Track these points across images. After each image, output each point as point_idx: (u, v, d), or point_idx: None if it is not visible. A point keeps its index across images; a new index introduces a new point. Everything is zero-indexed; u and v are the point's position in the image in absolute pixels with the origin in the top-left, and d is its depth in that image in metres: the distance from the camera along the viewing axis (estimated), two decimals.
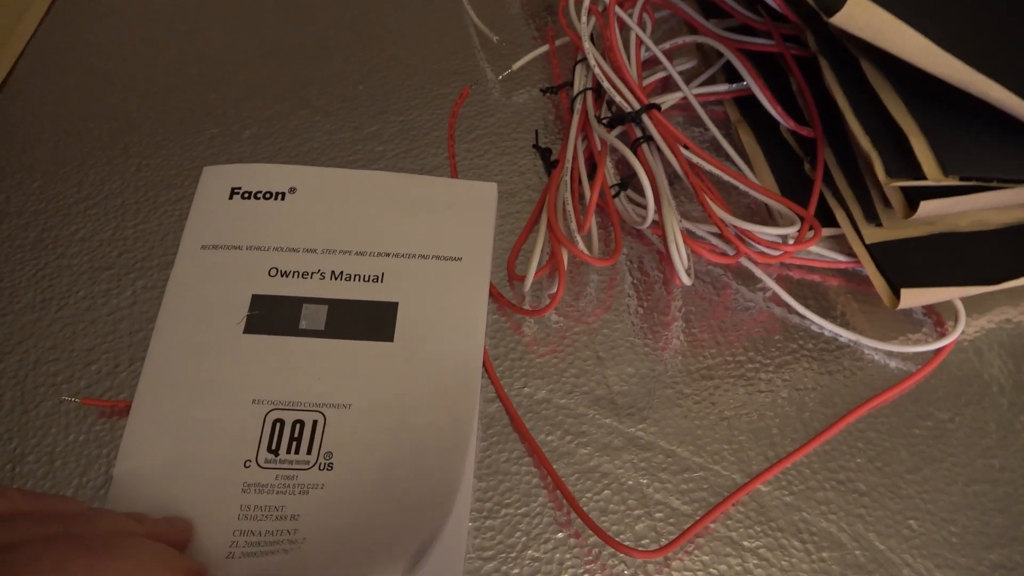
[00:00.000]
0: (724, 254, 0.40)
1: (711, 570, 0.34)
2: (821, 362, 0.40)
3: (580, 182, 0.43)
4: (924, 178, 0.36)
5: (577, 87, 0.46)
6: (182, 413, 0.37)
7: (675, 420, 0.38)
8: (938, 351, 0.40)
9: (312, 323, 0.40)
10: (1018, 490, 0.37)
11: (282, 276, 0.41)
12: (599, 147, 0.43)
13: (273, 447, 0.36)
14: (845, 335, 0.40)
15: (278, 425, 0.37)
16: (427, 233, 0.43)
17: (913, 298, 0.39)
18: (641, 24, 0.48)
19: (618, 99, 0.43)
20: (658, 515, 0.36)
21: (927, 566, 0.35)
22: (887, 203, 0.39)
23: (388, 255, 0.42)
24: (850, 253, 0.41)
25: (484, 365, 0.39)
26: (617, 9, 0.45)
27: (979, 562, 0.35)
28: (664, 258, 0.43)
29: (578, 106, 0.45)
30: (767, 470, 0.37)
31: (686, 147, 0.41)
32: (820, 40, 0.41)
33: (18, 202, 0.45)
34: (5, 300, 0.41)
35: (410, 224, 0.43)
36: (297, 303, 0.40)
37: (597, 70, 0.44)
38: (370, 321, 0.40)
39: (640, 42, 0.46)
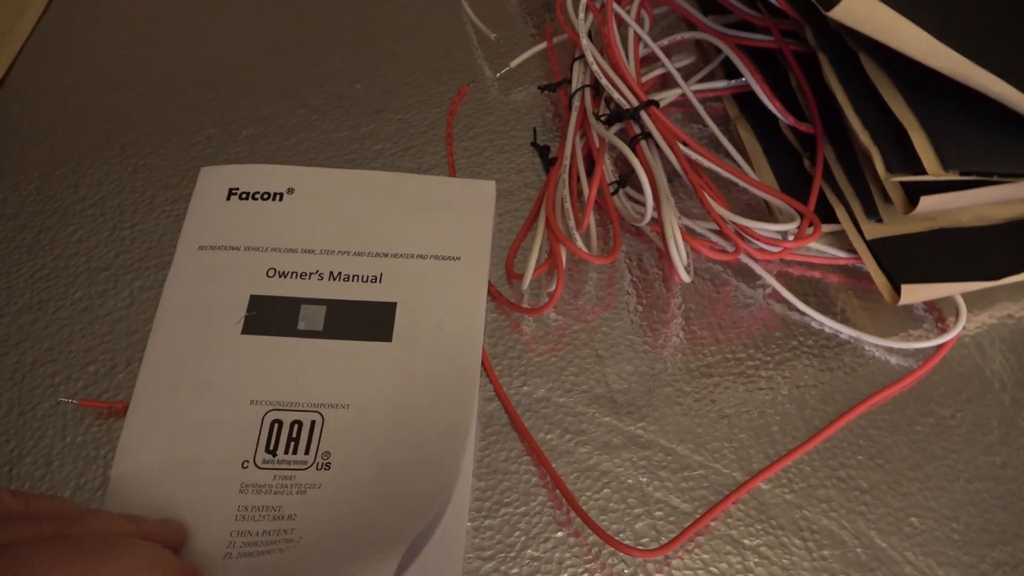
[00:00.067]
0: (723, 251, 0.40)
1: (711, 569, 0.34)
2: (821, 359, 0.40)
3: (579, 180, 0.42)
4: (924, 173, 0.36)
5: (575, 84, 0.46)
6: (180, 414, 0.37)
7: (675, 418, 0.38)
8: (939, 347, 0.40)
9: (310, 324, 0.40)
10: (1021, 487, 0.36)
11: (280, 277, 0.41)
12: (597, 144, 0.43)
13: (271, 448, 0.36)
14: (845, 331, 0.40)
15: (276, 426, 0.37)
16: (425, 232, 0.43)
17: (914, 294, 0.39)
18: (639, 21, 0.47)
19: (616, 96, 0.43)
20: (658, 513, 0.35)
21: (929, 564, 0.34)
22: (887, 199, 0.39)
23: (386, 255, 0.42)
24: (850, 249, 0.41)
25: (483, 364, 0.39)
26: (615, 6, 0.45)
27: (982, 559, 0.35)
28: (663, 255, 0.42)
29: (576, 103, 0.45)
30: (767, 468, 0.36)
31: (685, 144, 0.41)
32: (819, 35, 0.41)
33: (15, 203, 0.45)
34: (2, 301, 0.41)
35: (408, 224, 0.43)
36: (295, 304, 0.40)
37: (595, 67, 0.44)
38: (368, 321, 0.40)
39: (638, 39, 0.46)
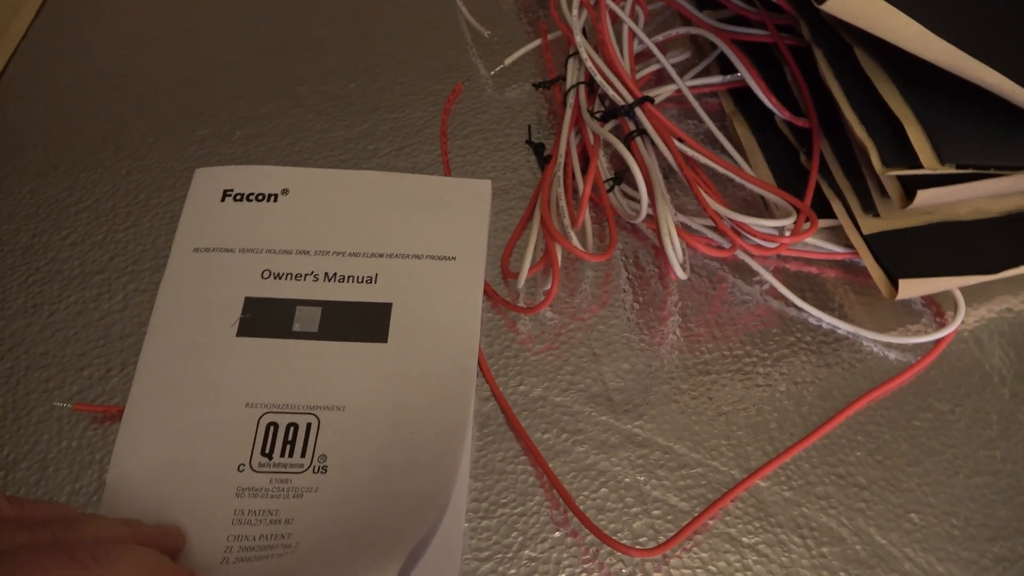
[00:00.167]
0: (720, 247, 0.40)
1: (710, 567, 0.34)
2: (819, 355, 0.39)
3: (574, 177, 0.42)
4: (920, 167, 0.36)
5: (570, 81, 0.45)
6: (175, 417, 0.37)
7: (672, 416, 0.38)
8: (938, 342, 0.39)
9: (306, 325, 0.39)
10: (1021, 481, 0.36)
11: (275, 278, 0.41)
12: (592, 142, 0.43)
13: (267, 451, 0.36)
14: (843, 327, 0.40)
15: (272, 428, 0.37)
16: (421, 232, 0.42)
17: (912, 288, 0.39)
18: (634, 17, 0.47)
19: (611, 93, 0.42)
20: (656, 512, 0.35)
21: (929, 560, 0.34)
22: (884, 193, 0.39)
23: (382, 255, 0.42)
24: (847, 244, 0.41)
25: (479, 363, 0.39)
26: (609, 2, 0.45)
27: (982, 555, 0.34)
28: (659, 253, 0.42)
29: (571, 100, 0.45)
30: (766, 465, 0.36)
31: (680, 140, 0.41)
32: (814, 29, 0.41)
33: (9, 206, 0.45)
34: None
35: (404, 224, 0.43)
36: (290, 305, 0.40)
37: (589, 64, 0.43)
38: (364, 322, 0.39)
39: (633, 35, 0.45)
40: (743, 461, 0.36)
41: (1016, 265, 0.39)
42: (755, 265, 0.41)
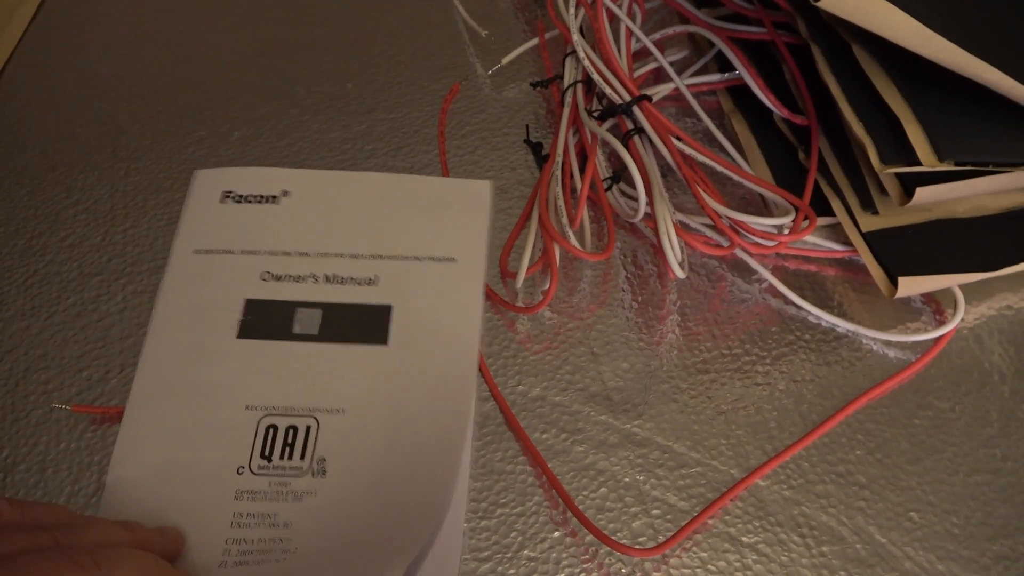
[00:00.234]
0: (718, 246, 0.40)
1: (709, 567, 0.34)
2: (819, 353, 0.39)
3: (572, 176, 0.42)
4: (919, 164, 0.36)
5: (567, 80, 0.45)
6: (175, 419, 0.37)
7: (671, 415, 0.38)
8: (937, 339, 0.39)
9: (306, 327, 0.39)
10: (1021, 479, 0.36)
11: (275, 280, 0.41)
12: (590, 140, 0.43)
13: (266, 453, 0.36)
14: (843, 325, 0.40)
15: (271, 431, 0.37)
16: (421, 234, 0.42)
17: (911, 286, 0.38)
18: (631, 15, 0.47)
19: (608, 91, 0.42)
20: (655, 512, 0.35)
21: (929, 559, 0.34)
22: (883, 190, 0.39)
23: (382, 257, 0.42)
24: (846, 242, 0.41)
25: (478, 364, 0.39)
26: (606, 0, 0.45)
27: (982, 553, 0.34)
28: (658, 251, 0.42)
29: (568, 99, 0.44)
30: (765, 464, 0.36)
31: (678, 138, 0.41)
32: (811, 26, 0.41)
33: (6, 208, 0.45)
34: None
35: (404, 225, 0.43)
36: (290, 307, 0.40)
37: (587, 62, 0.43)
38: (364, 324, 0.39)
39: (630, 33, 0.45)
40: (743, 460, 0.36)
41: (1016, 262, 0.39)
42: (754, 263, 0.41)
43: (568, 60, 0.46)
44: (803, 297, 0.40)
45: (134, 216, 0.44)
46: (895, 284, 0.38)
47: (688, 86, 0.46)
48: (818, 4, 0.35)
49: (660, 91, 0.46)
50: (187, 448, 0.36)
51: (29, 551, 0.27)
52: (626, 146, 0.41)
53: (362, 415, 0.37)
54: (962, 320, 0.40)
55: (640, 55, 0.48)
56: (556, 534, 0.35)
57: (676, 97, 0.47)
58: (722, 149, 0.44)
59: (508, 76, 0.50)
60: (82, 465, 0.37)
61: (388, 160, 0.46)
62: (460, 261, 0.41)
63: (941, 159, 0.35)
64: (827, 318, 0.40)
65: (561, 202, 0.41)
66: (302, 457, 0.36)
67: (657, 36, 0.48)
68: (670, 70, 0.46)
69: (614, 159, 0.44)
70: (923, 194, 0.37)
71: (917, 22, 0.34)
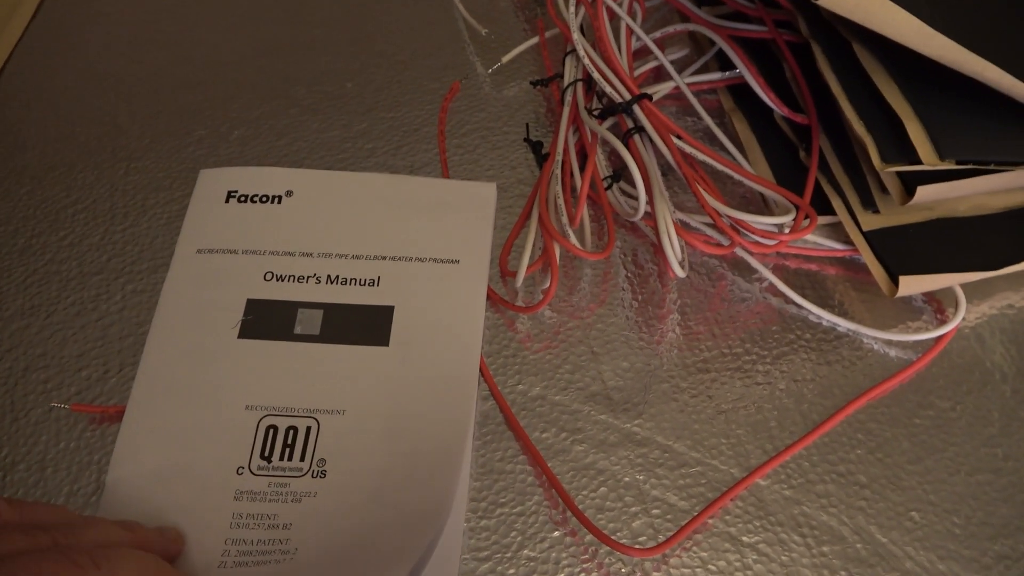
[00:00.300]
0: (719, 245, 0.40)
1: (710, 567, 0.34)
2: (819, 352, 0.39)
3: (572, 175, 0.42)
4: (920, 162, 0.36)
5: (567, 79, 0.45)
6: (176, 419, 0.37)
7: (671, 415, 0.38)
8: (939, 339, 0.39)
9: (307, 328, 0.39)
10: (1022, 479, 0.36)
11: (277, 280, 0.41)
12: (590, 139, 0.42)
13: (266, 454, 0.36)
14: (843, 324, 0.40)
15: (271, 431, 0.36)
16: (424, 235, 0.42)
17: (912, 285, 0.38)
18: (631, 13, 0.47)
19: (608, 90, 0.42)
20: (655, 512, 0.35)
21: (930, 558, 0.34)
22: (884, 189, 0.39)
23: (384, 258, 0.41)
24: (847, 241, 0.41)
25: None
26: None
27: (983, 553, 0.34)
28: (658, 250, 0.42)
29: (568, 98, 0.44)
30: (766, 464, 0.36)
31: (679, 137, 0.41)
32: (812, 25, 0.40)
33: (6, 208, 0.45)
34: None
35: (407, 226, 0.43)
36: (292, 307, 0.40)
37: (587, 61, 0.43)
38: (365, 325, 0.39)
39: (630, 32, 0.45)
40: (743, 460, 0.36)
41: (1017, 261, 0.39)
42: (754, 262, 0.41)
43: (568, 59, 0.46)
44: (804, 296, 0.40)
45: (133, 215, 0.44)
46: (896, 283, 0.38)
47: (688, 85, 0.46)
48: (818, 2, 0.35)
49: (660, 90, 0.46)
50: (187, 448, 0.36)
51: (28, 552, 0.27)
52: (626, 145, 0.40)
53: (363, 416, 0.37)
54: (963, 319, 0.40)
55: (640, 53, 0.48)
56: (556, 534, 0.35)
57: (676, 96, 0.47)
58: (722, 148, 0.44)
59: (508, 75, 0.50)
60: (81, 464, 0.36)
61: (388, 159, 0.46)
62: (463, 263, 0.41)
63: (942, 158, 0.35)
64: (828, 317, 0.40)
65: (561, 201, 0.41)
66: (302, 458, 0.36)
67: (657, 34, 0.48)
68: (670, 68, 0.46)
69: (614, 158, 0.44)
70: (924, 193, 0.37)
71: (918, 20, 0.34)
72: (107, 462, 0.36)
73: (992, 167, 0.36)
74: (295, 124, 0.48)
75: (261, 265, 0.41)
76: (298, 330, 0.39)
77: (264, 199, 0.43)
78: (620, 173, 0.42)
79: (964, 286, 0.40)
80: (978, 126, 0.37)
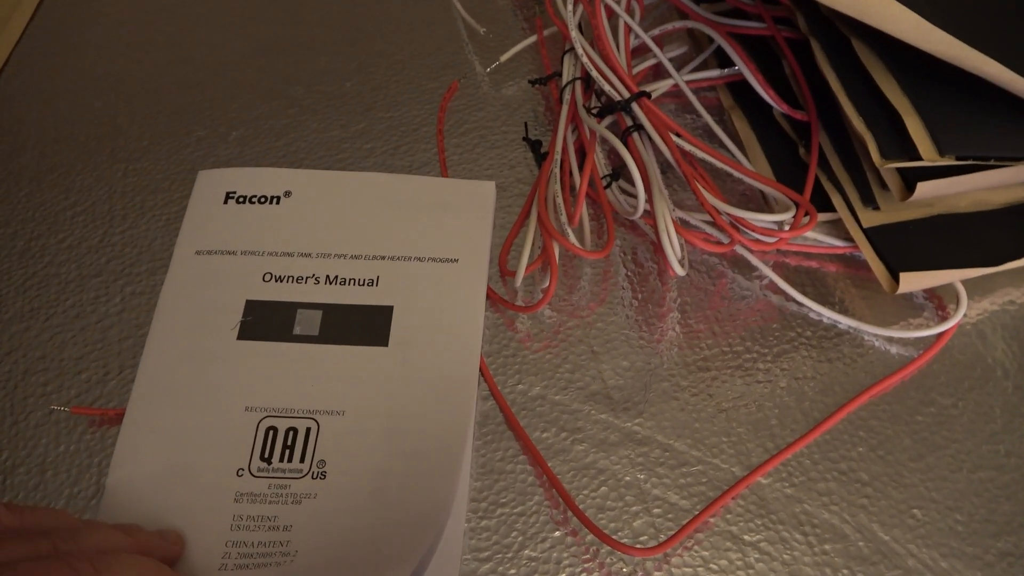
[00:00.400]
0: (718, 243, 0.40)
1: (711, 565, 0.34)
2: (820, 350, 0.39)
3: (571, 174, 0.42)
4: (919, 159, 0.35)
5: (566, 77, 0.45)
6: (175, 421, 0.37)
7: (672, 413, 0.37)
8: (940, 335, 0.39)
9: (306, 328, 0.39)
10: None
11: (276, 281, 0.41)
12: (589, 138, 0.42)
13: (266, 455, 0.36)
14: (844, 322, 0.40)
15: (271, 433, 0.36)
16: (424, 235, 0.42)
17: (913, 282, 0.38)
18: (629, 11, 0.47)
19: (607, 88, 0.42)
20: (656, 511, 0.35)
21: (932, 556, 0.34)
22: (884, 186, 0.39)
23: (383, 258, 0.41)
24: (847, 238, 0.41)
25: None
26: None
27: (986, 551, 0.34)
28: (658, 249, 0.42)
29: (567, 96, 0.44)
30: (767, 462, 0.36)
31: (678, 135, 0.40)
32: (811, 21, 0.40)
33: (5, 210, 0.45)
34: None
35: (406, 226, 0.42)
36: (291, 308, 0.40)
37: (585, 59, 0.43)
38: (365, 326, 0.39)
39: (629, 29, 0.45)
40: (744, 458, 0.36)
41: (1018, 257, 0.39)
42: (754, 260, 0.41)
43: (567, 57, 0.46)
44: (804, 294, 0.40)
45: (132, 217, 0.44)
46: (897, 280, 0.38)
47: (687, 82, 0.46)
48: None
49: (659, 87, 0.46)
50: (187, 450, 0.36)
51: (29, 558, 0.27)
52: (625, 143, 0.40)
53: (362, 417, 0.37)
54: (964, 316, 0.40)
55: (639, 51, 0.48)
56: (557, 534, 0.35)
57: (675, 93, 0.47)
58: (722, 145, 0.44)
59: (507, 74, 0.50)
60: (81, 467, 0.36)
61: (387, 159, 0.46)
62: (463, 262, 0.41)
63: (942, 153, 0.35)
64: (828, 314, 0.40)
65: (560, 200, 0.41)
66: (302, 459, 0.36)
67: (656, 32, 0.48)
68: (669, 66, 0.45)
69: (613, 156, 0.44)
70: (924, 189, 0.37)
71: (916, 15, 0.34)
72: (107, 465, 0.36)
73: (992, 163, 0.36)
74: (294, 124, 0.48)
75: (260, 266, 0.41)
76: (297, 331, 0.39)
77: (262, 200, 0.43)
78: (619, 171, 0.42)
79: (965, 282, 0.40)
80: (978, 122, 0.36)
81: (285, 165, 0.46)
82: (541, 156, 0.45)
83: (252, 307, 0.40)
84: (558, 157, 0.42)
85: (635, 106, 0.41)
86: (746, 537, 0.34)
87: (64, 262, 0.43)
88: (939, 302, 0.40)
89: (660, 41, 0.48)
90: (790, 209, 0.39)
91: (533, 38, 0.50)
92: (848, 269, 0.41)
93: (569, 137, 0.43)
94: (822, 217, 0.41)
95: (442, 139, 0.47)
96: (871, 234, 0.39)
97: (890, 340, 0.39)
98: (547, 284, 0.40)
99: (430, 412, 0.37)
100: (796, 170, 0.42)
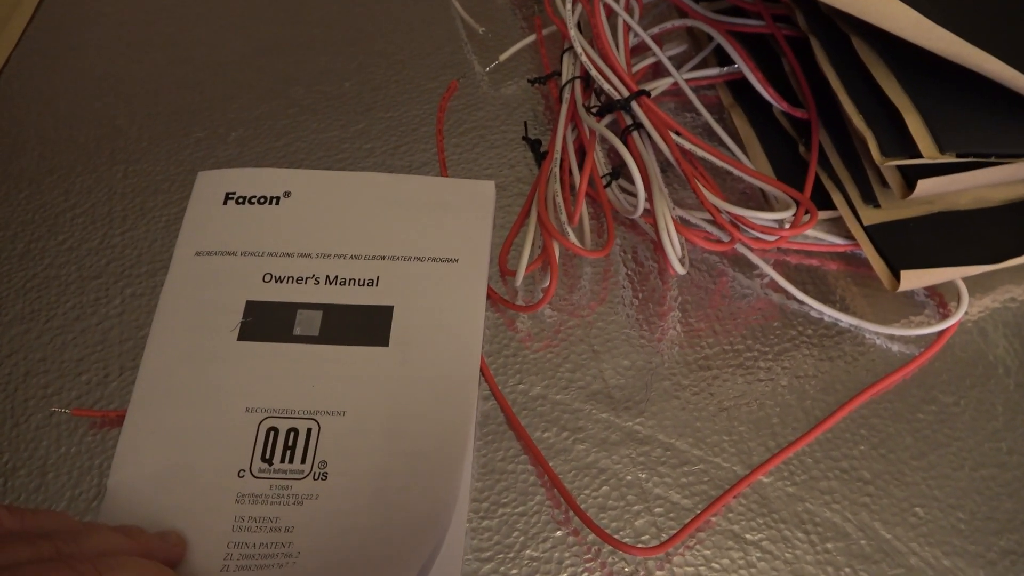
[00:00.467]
0: (719, 241, 0.40)
1: (713, 564, 0.34)
2: (821, 348, 0.39)
3: (571, 173, 0.42)
4: (920, 156, 0.35)
5: (565, 76, 0.45)
6: (176, 422, 0.37)
7: (673, 412, 0.37)
8: (941, 333, 0.39)
9: (306, 329, 0.39)
10: None
11: (276, 281, 0.41)
12: (589, 137, 0.42)
13: (267, 456, 0.36)
14: (845, 320, 0.40)
15: (272, 433, 0.36)
16: (424, 234, 0.42)
17: (914, 280, 0.38)
18: (628, 10, 0.47)
19: (606, 87, 0.42)
20: (658, 510, 0.35)
21: (935, 554, 0.34)
22: (884, 183, 0.39)
23: (383, 258, 0.41)
24: (848, 236, 0.41)
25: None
26: None
27: (988, 548, 0.34)
28: (658, 247, 0.42)
29: (567, 96, 0.44)
30: (768, 461, 0.36)
31: (677, 133, 0.40)
32: (810, 19, 0.40)
33: (4, 212, 0.44)
34: None
35: (406, 226, 0.42)
36: (291, 309, 0.40)
37: (584, 58, 0.43)
38: (365, 326, 0.39)
39: (628, 28, 0.45)
40: (745, 457, 0.36)
41: (1019, 254, 0.39)
42: (755, 258, 0.41)
43: (566, 56, 0.46)
44: (805, 292, 0.40)
45: (132, 218, 0.44)
46: (897, 277, 0.38)
47: (687, 81, 0.46)
48: None
49: (659, 86, 0.46)
50: (188, 451, 0.36)
51: (31, 561, 0.27)
52: (625, 142, 0.40)
53: (363, 417, 0.37)
54: (966, 313, 0.39)
55: (638, 50, 0.48)
56: (558, 533, 0.35)
57: (675, 92, 0.47)
58: (722, 144, 0.44)
59: (506, 73, 0.50)
60: (83, 469, 0.36)
61: (386, 159, 0.46)
62: (463, 262, 0.41)
63: (942, 151, 0.35)
64: (829, 313, 0.40)
65: (560, 199, 0.41)
66: (303, 460, 0.36)
67: (655, 31, 0.47)
68: (668, 65, 0.45)
69: (613, 155, 0.44)
70: (925, 186, 0.37)
71: (916, 13, 0.34)
72: (108, 466, 0.36)
73: (993, 159, 0.36)
74: (293, 124, 0.48)
75: (260, 266, 0.41)
76: (297, 331, 0.39)
77: (262, 200, 0.43)
78: (619, 170, 0.42)
79: (966, 280, 0.40)
80: (978, 119, 0.36)
81: (285, 165, 0.46)
82: (541, 155, 0.45)
83: (252, 308, 0.40)
84: (558, 156, 0.42)
85: (635, 105, 0.41)
86: (748, 536, 0.34)
87: (64, 264, 0.43)
88: (940, 300, 0.40)
89: (659, 39, 0.48)
90: (790, 207, 0.39)
91: (532, 37, 0.50)
92: (849, 267, 0.41)
93: (569, 136, 0.43)
94: (823, 215, 0.41)
95: (441, 139, 0.47)
96: (872, 232, 0.39)
97: (891, 338, 0.39)
98: (547, 283, 0.40)
99: (431, 412, 0.37)
100: (796, 168, 0.42)
